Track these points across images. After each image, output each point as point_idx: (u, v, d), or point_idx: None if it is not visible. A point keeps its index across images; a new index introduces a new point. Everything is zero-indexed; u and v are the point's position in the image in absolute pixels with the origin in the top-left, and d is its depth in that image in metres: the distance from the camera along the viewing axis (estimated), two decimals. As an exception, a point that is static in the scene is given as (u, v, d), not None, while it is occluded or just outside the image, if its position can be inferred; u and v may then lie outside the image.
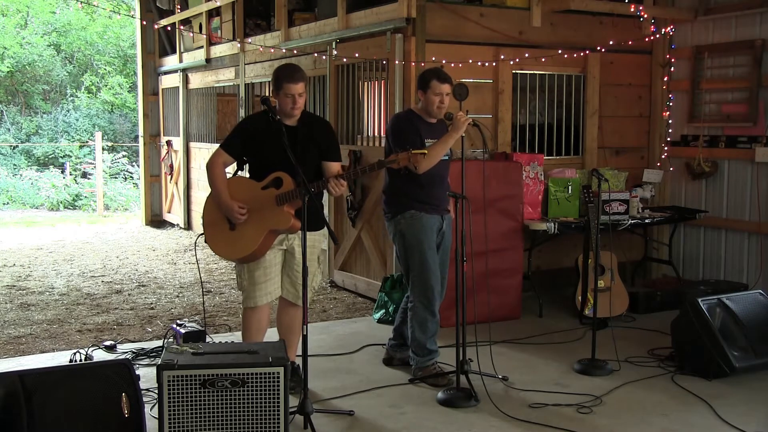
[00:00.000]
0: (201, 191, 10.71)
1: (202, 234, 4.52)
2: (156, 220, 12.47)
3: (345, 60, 7.16)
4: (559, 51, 6.85)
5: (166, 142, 12.02)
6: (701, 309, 4.89)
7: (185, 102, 11.30)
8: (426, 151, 4.32)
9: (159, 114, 12.50)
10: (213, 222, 4.46)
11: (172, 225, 12.05)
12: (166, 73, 12.07)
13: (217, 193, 4.40)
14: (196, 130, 11.10)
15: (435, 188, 4.81)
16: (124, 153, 17.97)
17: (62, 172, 17.00)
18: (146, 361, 5.15)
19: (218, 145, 4.56)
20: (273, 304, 4.66)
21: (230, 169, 4.58)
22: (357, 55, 6.91)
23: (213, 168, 4.43)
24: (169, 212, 12.25)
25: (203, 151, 10.59)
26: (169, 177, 12.08)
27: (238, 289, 4.62)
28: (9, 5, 20.25)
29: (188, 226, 11.44)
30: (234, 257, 4.54)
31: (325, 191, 4.45)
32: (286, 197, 4.25)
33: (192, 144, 11.19)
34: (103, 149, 15.84)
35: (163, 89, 12.27)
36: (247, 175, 4.56)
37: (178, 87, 11.48)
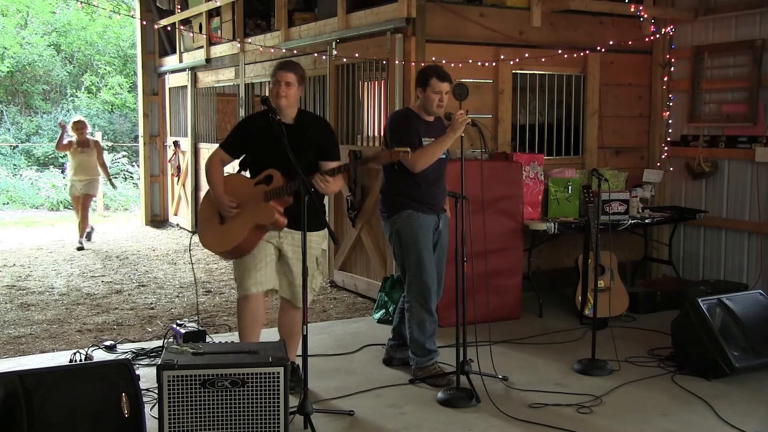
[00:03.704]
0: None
1: (196, 231, 4.64)
2: (156, 220, 12.43)
3: (345, 60, 7.16)
4: (559, 51, 6.85)
5: (173, 142, 11.75)
6: (701, 309, 4.88)
7: (194, 101, 11.09)
8: (408, 149, 4.15)
9: (159, 114, 12.42)
10: (206, 218, 4.59)
11: (173, 225, 12.02)
12: (172, 72, 11.93)
13: (212, 187, 4.53)
14: (204, 131, 10.88)
15: (432, 188, 4.80)
16: (124, 153, 17.96)
17: (62, 172, 16.95)
18: (146, 361, 5.15)
19: (218, 144, 4.66)
20: (273, 303, 4.66)
21: (232, 169, 4.62)
22: (357, 55, 6.91)
23: (211, 166, 4.58)
24: (175, 215, 12.02)
25: (209, 152, 10.44)
26: (176, 179, 11.78)
27: (235, 281, 4.65)
28: (9, 5, 20.24)
29: (197, 229, 11.17)
30: (219, 249, 4.57)
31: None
32: (273, 193, 4.29)
33: (201, 145, 10.89)
34: (103, 149, 15.79)
35: (169, 88, 12.14)
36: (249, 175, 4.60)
37: (185, 86, 11.32)
